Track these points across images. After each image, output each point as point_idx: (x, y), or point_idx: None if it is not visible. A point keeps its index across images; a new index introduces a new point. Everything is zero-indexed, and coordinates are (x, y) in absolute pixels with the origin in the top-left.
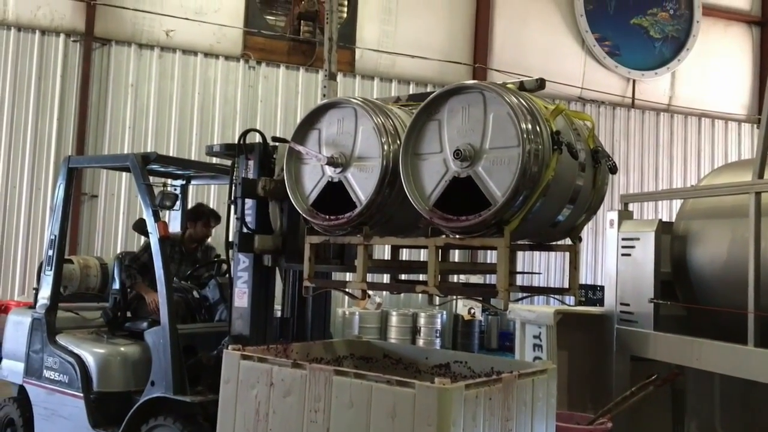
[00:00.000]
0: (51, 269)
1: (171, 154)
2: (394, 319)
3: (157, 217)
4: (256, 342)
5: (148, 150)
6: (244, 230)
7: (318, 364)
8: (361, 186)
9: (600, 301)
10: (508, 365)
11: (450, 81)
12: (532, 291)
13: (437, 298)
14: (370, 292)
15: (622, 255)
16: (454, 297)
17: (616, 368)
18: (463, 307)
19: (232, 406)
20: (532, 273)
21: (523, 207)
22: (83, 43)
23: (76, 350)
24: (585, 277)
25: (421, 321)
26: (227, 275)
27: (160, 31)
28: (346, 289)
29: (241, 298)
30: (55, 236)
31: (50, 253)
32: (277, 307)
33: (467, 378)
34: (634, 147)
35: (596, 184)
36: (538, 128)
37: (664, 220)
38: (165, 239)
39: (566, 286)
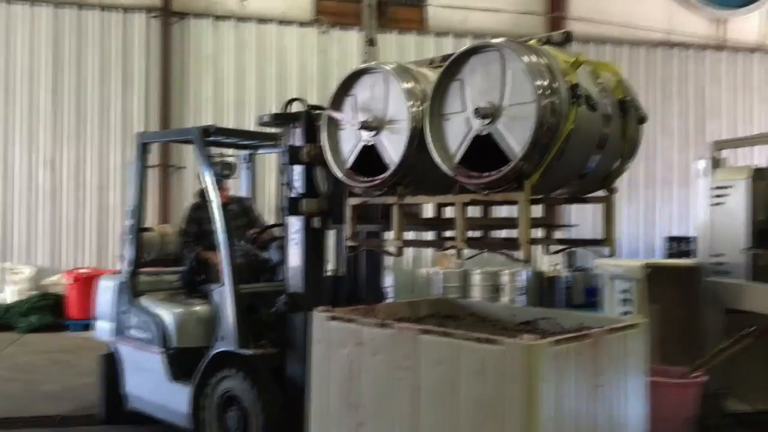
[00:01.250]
0: (131, 237)
1: (251, 124)
2: (476, 278)
3: (217, 186)
4: (309, 299)
5: (230, 120)
6: (292, 195)
7: (404, 324)
8: (393, 148)
9: (690, 253)
10: (597, 321)
11: (525, 34)
12: (565, 243)
13: (520, 256)
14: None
15: (714, 204)
16: (483, 251)
17: (709, 321)
18: (547, 263)
19: (324, 364)
20: (567, 226)
21: (542, 161)
22: (162, 18)
23: (156, 310)
24: (675, 229)
25: (504, 279)
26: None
27: (234, 2)
28: (384, 248)
29: (294, 258)
30: (134, 207)
31: (131, 222)
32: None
33: (555, 334)
34: (726, 91)
35: (626, 134)
36: (554, 83)
37: (761, 166)
38: (225, 206)
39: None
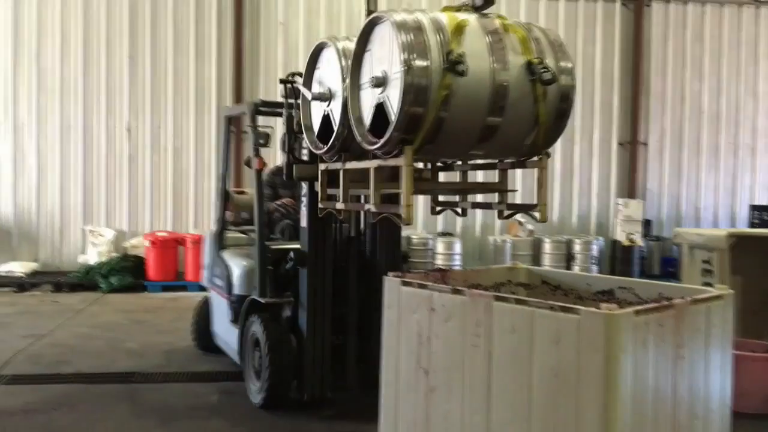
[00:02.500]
0: (219, 199)
1: None
2: (547, 246)
3: (256, 153)
4: (314, 257)
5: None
6: (287, 161)
7: (477, 290)
8: (395, 105)
9: None
10: (678, 291)
11: None
12: (480, 207)
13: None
14: (522, 219)
15: None
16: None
17: None
18: (621, 232)
19: (395, 329)
20: (511, 191)
21: (419, 128)
22: None
23: (228, 262)
24: (759, 198)
25: (576, 248)
26: None
27: None
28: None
29: (303, 219)
30: (222, 172)
31: (219, 185)
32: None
33: (633, 304)
34: None
35: (538, 98)
36: (424, 51)
37: None
38: (259, 171)
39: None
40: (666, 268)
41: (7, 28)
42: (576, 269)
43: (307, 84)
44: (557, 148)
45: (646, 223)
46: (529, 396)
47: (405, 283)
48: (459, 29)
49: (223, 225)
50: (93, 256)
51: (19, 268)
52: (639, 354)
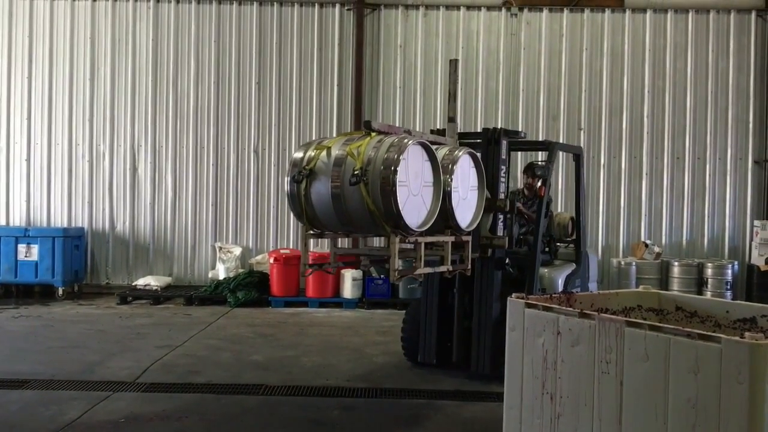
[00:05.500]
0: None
1: (437, 112)
2: (675, 270)
3: (544, 183)
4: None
5: (418, 108)
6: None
7: (607, 315)
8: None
9: None
10: None
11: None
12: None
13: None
14: (648, 241)
15: None
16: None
17: None
18: (759, 256)
19: (519, 352)
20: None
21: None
22: (356, 10)
23: None
24: None
25: (709, 272)
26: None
27: None
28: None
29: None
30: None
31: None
32: None
33: None
34: None
35: (367, 195)
36: (296, 167)
37: None
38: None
39: None
40: None
41: (149, 58)
42: (708, 295)
43: None
44: (686, 168)
45: None
46: (664, 427)
47: (529, 305)
48: (319, 151)
49: None
50: (221, 271)
51: (154, 281)
52: None
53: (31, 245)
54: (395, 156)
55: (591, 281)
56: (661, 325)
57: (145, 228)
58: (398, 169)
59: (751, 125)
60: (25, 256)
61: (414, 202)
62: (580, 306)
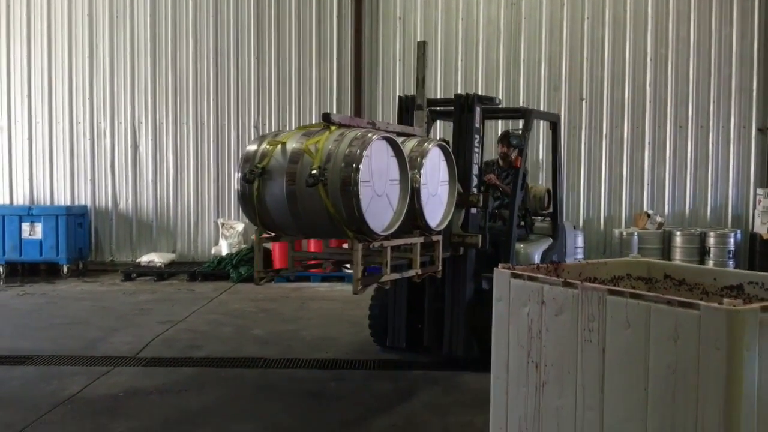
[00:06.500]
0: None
1: (438, 83)
2: (678, 239)
3: (520, 153)
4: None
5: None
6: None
7: (591, 283)
8: None
9: None
10: None
11: None
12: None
13: None
14: (650, 211)
15: None
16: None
17: None
18: (761, 225)
19: (505, 322)
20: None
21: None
22: None
23: None
24: None
25: (711, 241)
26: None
27: None
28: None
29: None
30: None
31: None
32: None
33: (765, 300)
34: None
35: (327, 197)
36: (247, 164)
37: None
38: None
39: None
40: None
41: (146, 33)
42: (710, 264)
43: None
44: (688, 136)
45: None
46: (645, 394)
47: (514, 276)
48: (274, 146)
49: None
50: (224, 247)
51: (158, 258)
52: (765, 352)
53: (35, 224)
54: (357, 152)
55: (568, 256)
56: (642, 292)
57: (147, 205)
58: (360, 167)
59: (754, 93)
60: (30, 235)
61: (379, 204)
62: (568, 276)
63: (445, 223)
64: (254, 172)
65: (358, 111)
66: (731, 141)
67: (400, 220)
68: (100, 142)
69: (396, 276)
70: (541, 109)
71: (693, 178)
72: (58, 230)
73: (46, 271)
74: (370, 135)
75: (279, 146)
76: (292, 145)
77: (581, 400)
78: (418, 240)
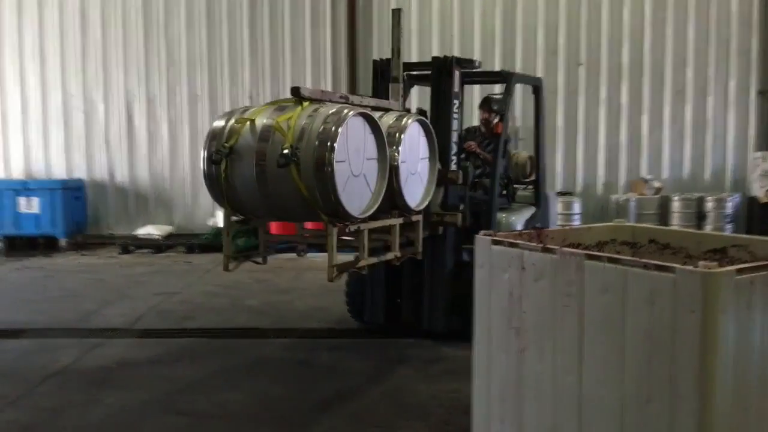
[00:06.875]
0: None
1: (431, 49)
2: (675, 204)
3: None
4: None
5: (412, 49)
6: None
7: (568, 248)
8: None
9: None
10: None
11: None
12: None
13: None
14: (648, 176)
15: None
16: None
17: None
18: (759, 188)
19: (486, 289)
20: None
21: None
22: None
23: None
24: None
25: (709, 206)
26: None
27: None
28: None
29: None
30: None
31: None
32: None
33: (744, 263)
34: None
35: (300, 176)
36: (213, 141)
37: None
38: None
39: None
40: None
41: (137, 3)
42: (708, 229)
43: None
44: (688, 99)
45: None
46: (622, 358)
47: (495, 242)
48: (241, 125)
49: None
50: (222, 219)
51: (155, 231)
52: (742, 315)
53: (31, 198)
54: (332, 129)
55: (552, 224)
56: (618, 257)
57: (144, 177)
58: (336, 145)
59: (754, 55)
60: (26, 209)
61: (355, 184)
62: (552, 242)
63: (426, 203)
64: (221, 152)
65: (352, 80)
66: (730, 104)
67: (379, 202)
68: (94, 115)
69: (374, 260)
70: (539, 75)
71: (692, 143)
72: (55, 204)
73: (44, 245)
74: (346, 111)
75: (248, 123)
76: (262, 121)
77: (560, 365)
78: (397, 221)
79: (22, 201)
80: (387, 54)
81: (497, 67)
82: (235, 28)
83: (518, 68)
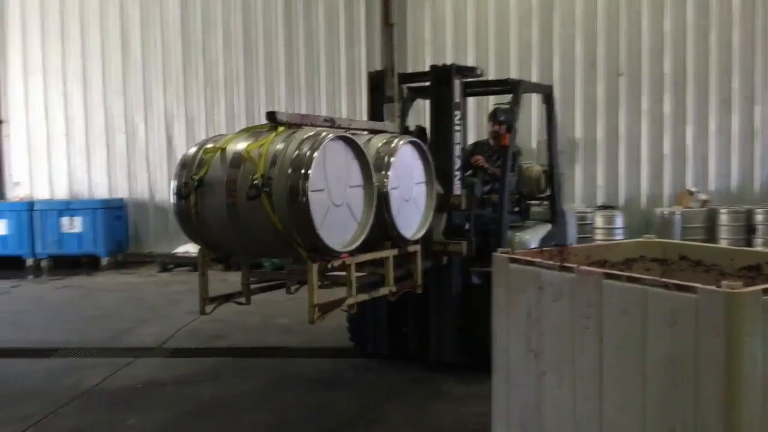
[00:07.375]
0: None
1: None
2: (723, 218)
3: (509, 129)
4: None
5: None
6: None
7: (587, 267)
8: None
9: None
10: None
11: None
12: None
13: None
14: (694, 188)
15: None
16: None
17: None
18: None
19: (504, 310)
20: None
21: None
22: None
23: None
24: None
25: (759, 218)
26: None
27: None
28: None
29: None
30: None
31: None
32: None
33: None
34: None
35: (272, 210)
36: (183, 172)
37: None
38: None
39: None
40: None
41: (177, 26)
42: (758, 243)
43: None
44: (735, 108)
45: None
46: (644, 384)
47: (512, 260)
48: (212, 155)
49: None
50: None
51: (193, 249)
52: None
53: (74, 218)
54: (307, 154)
55: (571, 243)
56: (638, 276)
57: None
58: (311, 172)
59: None
60: (69, 229)
61: (337, 215)
62: (575, 259)
63: (423, 232)
64: (189, 184)
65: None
66: None
67: (365, 233)
68: (135, 136)
69: (364, 297)
70: (577, 86)
71: (739, 153)
72: (96, 223)
73: (87, 264)
74: (323, 134)
75: (218, 153)
76: (233, 149)
77: (580, 391)
78: (390, 253)
79: (65, 221)
80: (421, 68)
81: (534, 80)
82: (271, 48)
83: (556, 80)
